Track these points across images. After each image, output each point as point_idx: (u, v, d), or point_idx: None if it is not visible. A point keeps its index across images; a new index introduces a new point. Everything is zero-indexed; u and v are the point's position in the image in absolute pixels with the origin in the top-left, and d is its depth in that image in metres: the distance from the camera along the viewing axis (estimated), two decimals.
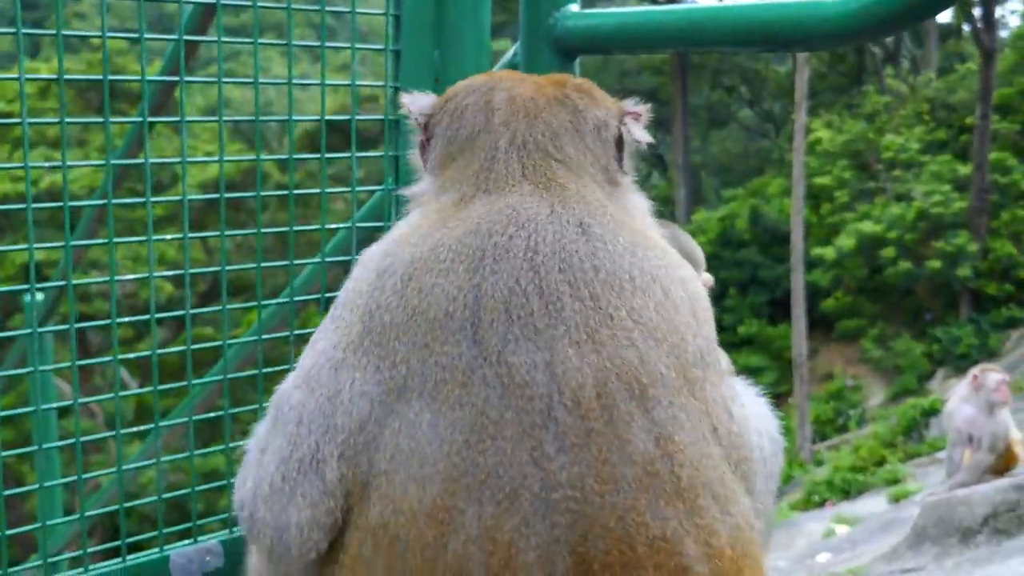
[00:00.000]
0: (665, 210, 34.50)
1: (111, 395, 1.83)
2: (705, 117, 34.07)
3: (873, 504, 11.88)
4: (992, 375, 6.73)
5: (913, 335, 22.93)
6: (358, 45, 2.01)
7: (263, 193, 1.94)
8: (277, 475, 1.25)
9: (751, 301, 25.14)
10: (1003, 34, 26.54)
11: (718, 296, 25.90)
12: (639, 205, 1.47)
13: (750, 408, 1.40)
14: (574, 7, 1.95)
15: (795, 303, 20.01)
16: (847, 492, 14.29)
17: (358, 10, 2.04)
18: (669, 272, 1.31)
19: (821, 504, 14.16)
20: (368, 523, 1.17)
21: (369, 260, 1.32)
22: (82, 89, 15.68)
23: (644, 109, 1.50)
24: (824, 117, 27.54)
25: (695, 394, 1.24)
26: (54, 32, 1.63)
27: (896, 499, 11.19)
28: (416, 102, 1.49)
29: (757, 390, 1.50)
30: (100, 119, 1.71)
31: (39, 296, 3.37)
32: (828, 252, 23.57)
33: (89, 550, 1.78)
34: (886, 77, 29.43)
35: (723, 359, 1.42)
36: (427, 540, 1.12)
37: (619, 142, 1.46)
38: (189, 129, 1.88)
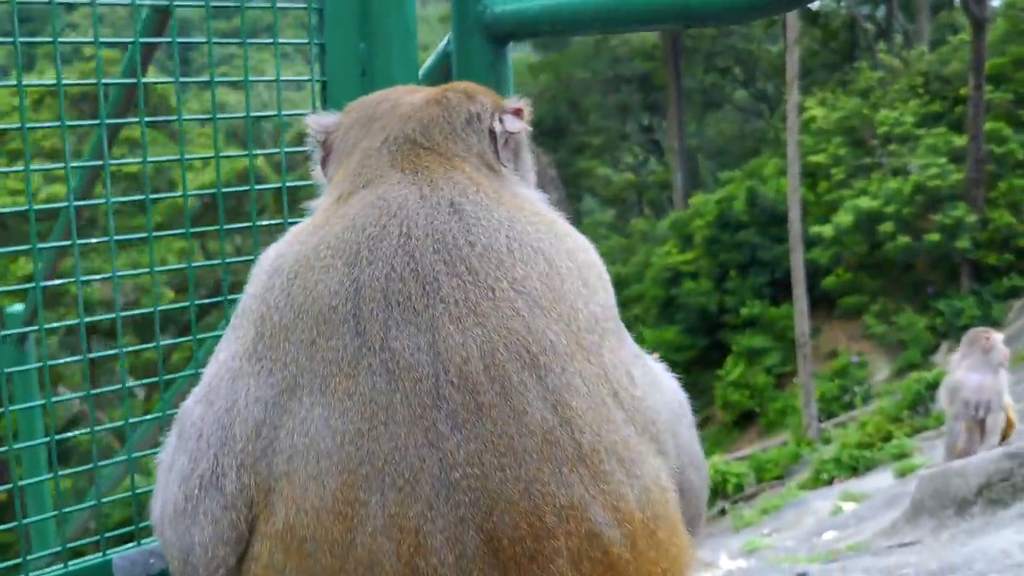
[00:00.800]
0: (662, 195, 34.53)
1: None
2: (699, 100, 34.02)
3: (880, 480, 11.91)
4: (996, 334, 6.79)
5: (915, 309, 22.92)
6: (281, 40, 2.02)
7: (257, 187, 2.01)
8: (180, 495, 1.26)
9: (752, 282, 25.14)
10: (995, 3, 26.42)
11: (719, 278, 25.98)
12: (523, 193, 1.48)
13: (655, 369, 1.42)
14: None
15: (795, 282, 20.02)
16: (855, 469, 14.32)
17: (280, 4, 2.05)
18: (554, 243, 1.32)
19: (829, 482, 14.20)
20: (275, 529, 1.17)
21: (263, 261, 1.34)
22: (75, 100, 15.77)
23: (525, 103, 1.55)
24: (818, 95, 27.49)
25: (591, 359, 1.25)
26: (50, 40, 1.68)
27: (902, 474, 11.22)
28: (318, 121, 1.55)
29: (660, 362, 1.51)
30: (96, 121, 1.81)
31: (19, 308, 3.41)
32: (827, 230, 23.55)
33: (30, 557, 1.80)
34: (879, 52, 29.36)
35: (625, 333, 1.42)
36: (335, 537, 1.13)
37: (493, 134, 1.49)
38: (186, 137, 1.95)
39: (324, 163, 1.55)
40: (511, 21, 1.95)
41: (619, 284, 28.91)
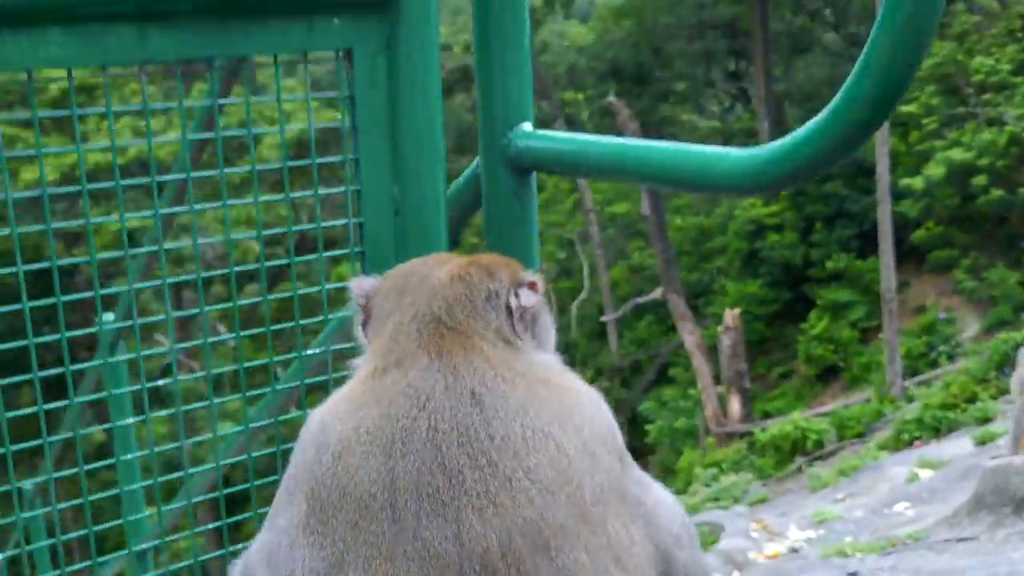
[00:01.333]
0: (748, 143, 33.77)
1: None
2: (787, 45, 33.11)
3: (960, 446, 11.83)
4: None
5: (1007, 264, 22.30)
6: (321, 191, 2.21)
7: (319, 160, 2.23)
8: None
9: (838, 235, 24.73)
10: None
11: (804, 231, 25.51)
12: (538, 361, 1.60)
13: (652, 499, 1.55)
14: (527, 126, 2.07)
15: (882, 236, 19.66)
16: (937, 430, 14.21)
17: (319, 159, 2.22)
18: (563, 424, 1.46)
19: (910, 443, 14.13)
20: None
21: (311, 428, 1.51)
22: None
23: (540, 278, 1.68)
24: None
25: (596, 531, 1.39)
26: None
27: (981, 442, 11.15)
28: (360, 285, 1.72)
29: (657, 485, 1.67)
30: (175, 104, 2.12)
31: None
32: (917, 182, 22.93)
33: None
34: None
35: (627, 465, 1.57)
36: None
37: (509, 309, 1.61)
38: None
39: (364, 325, 1.70)
40: (531, 157, 2.05)
41: (701, 236, 28.69)
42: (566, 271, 26.62)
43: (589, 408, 1.53)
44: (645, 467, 1.68)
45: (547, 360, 1.64)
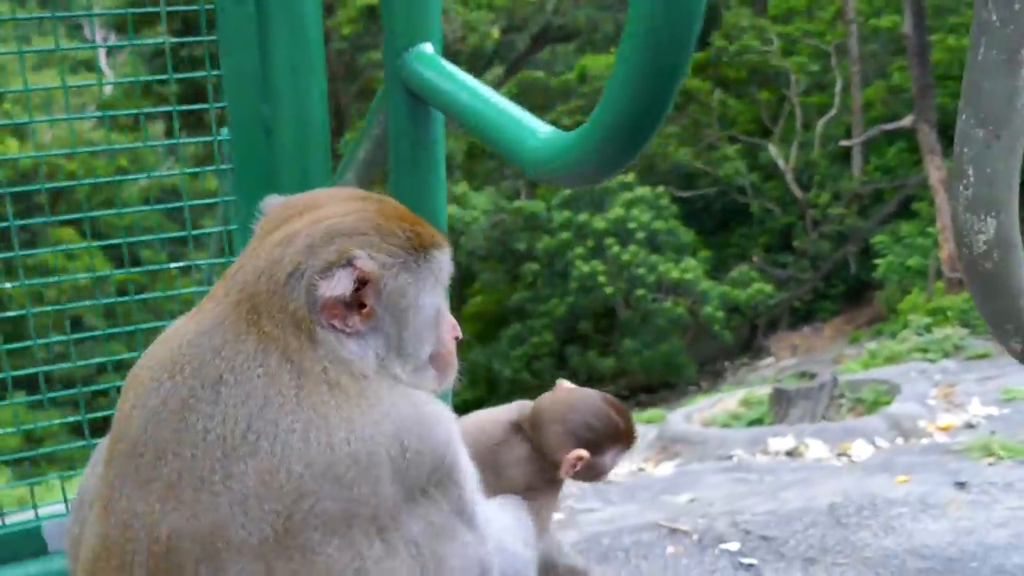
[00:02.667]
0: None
1: None
2: None
3: None
4: None
5: None
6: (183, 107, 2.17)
7: None
8: None
9: None
10: None
11: None
12: (347, 364, 1.47)
13: (451, 558, 1.51)
14: (427, 47, 1.91)
15: None
16: None
17: (177, 75, 2.18)
18: (313, 437, 1.38)
19: None
20: None
21: None
22: None
23: (368, 262, 1.48)
24: None
25: (293, 558, 1.35)
26: None
27: None
28: (265, 203, 1.66)
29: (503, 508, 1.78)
30: None
31: None
32: None
33: None
34: None
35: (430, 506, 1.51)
36: None
37: (313, 294, 1.46)
38: None
39: None
40: (419, 82, 1.90)
41: None
42: (818, 85, 25.05)
43: (378, 428, 1.43)
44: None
45: (364, 367, 1.49)
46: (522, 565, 1.73)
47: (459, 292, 24.16)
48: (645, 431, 10.07)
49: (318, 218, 1.53)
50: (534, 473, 2.18)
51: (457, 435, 1.57)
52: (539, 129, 1.64)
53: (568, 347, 21.97)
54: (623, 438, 2.21)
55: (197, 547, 1.35)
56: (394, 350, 1.55)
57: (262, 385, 1.42)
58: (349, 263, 1.47)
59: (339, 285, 1.47)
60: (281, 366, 1.43)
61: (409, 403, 1.49)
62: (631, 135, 1.33)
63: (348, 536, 1.39)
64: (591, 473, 2.19)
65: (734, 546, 4.17)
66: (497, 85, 24.49)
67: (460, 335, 1.75)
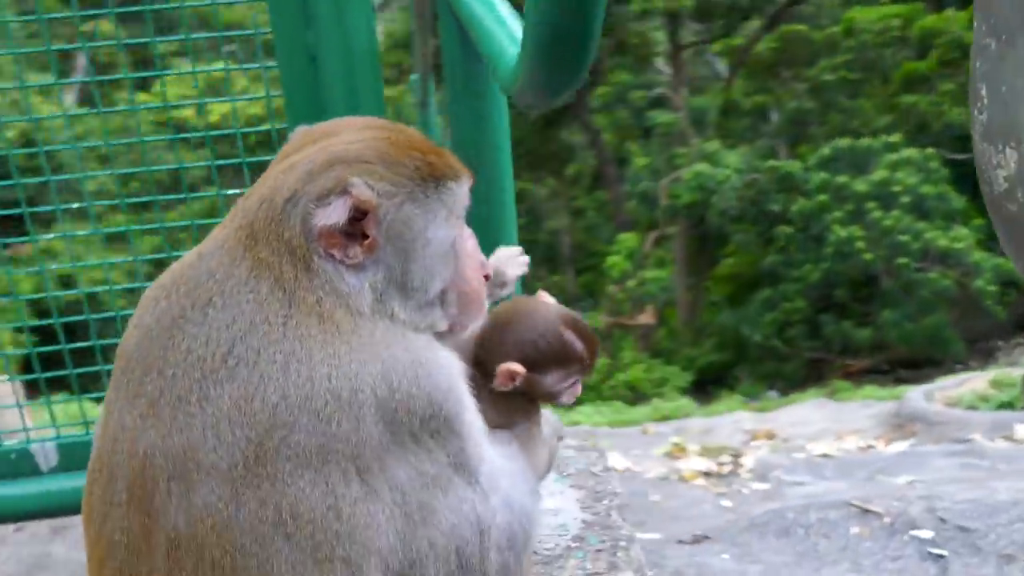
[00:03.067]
0: None
1: None
2: None
3: None
4: None
5: None
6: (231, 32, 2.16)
7: None
8: None
9: None
10: None
11: None
12: (344, 298, 1.46)
13: (445, 512, 1.48)
14: None
15: None
16: None
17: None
18: (293, 368, 1.38)
19: None
20: None
21: None
22: None
23: (365, 192, 1.44)
24: None
25: (261, 486, 1.36)
26: None
27: None
28: (295, 132, 1.67)
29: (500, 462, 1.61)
30: None
31: None
32: None
33: None
34: None
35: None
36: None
37: (307, 223, 1.45)
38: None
39: None
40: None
41: None
42: None
43: (364, 367, 1.42)
44: None
45: (360, 303, 1.48)
46: (528, 521, 1.62)
47: (711, 253, 23.66)
48: (881, 408, 9.47)
49: (326, 146, 1.51)
50: (504, 403, 1.98)
51: (461, 385, 1.52)
52: (507, 38, 1.59)
53: (822, 315, 20.98)
54: (574, 363, 1.96)
55: (170, 464, 1.38)
56: (396, 284, 1.51)
57: (249, 311, 1.42)
58: (345, 191, 1.45)
59: (334, 213, 1.45)
60: (272, 293, 1.43)
61: (405, 346, 1.46)
62: (560, 54, 1.27)
63: (323, 472, 1.38)
64: (534, 392, 1.97)
65: (926, 534, 3.84)
66: (754, 39, 23.55)
67: (490, 272, 1.71)
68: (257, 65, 2.31)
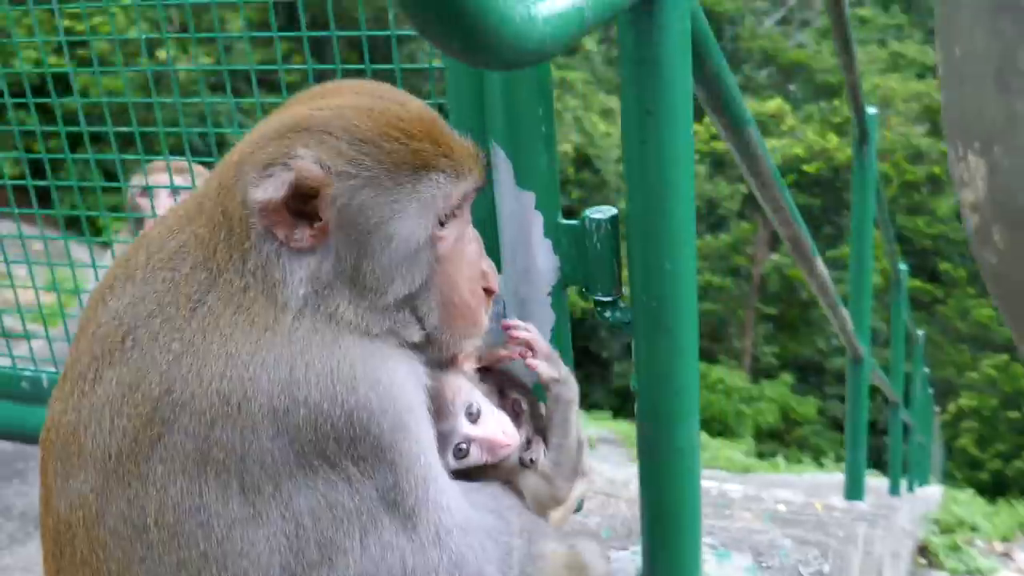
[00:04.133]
0: None
1: None
2: None
3: None
4: None
5: None
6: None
7: None
8: None
9: None
10: None
11: None
12: (260, 285, 1.32)
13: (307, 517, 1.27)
14: None
15: None
16: None
17: None
18: (181, 359, 1.27)
19: None
20: None
21: None
22: None
23: (310, 166, 1.28)
24: None
25: (131, 485, 1.27)
26: None
27: None
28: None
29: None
30: None
31: None
32: None
33: None
34: None
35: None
36: None
37: (246, 191, 1.32)
38: None
39: None
40: None
41: None
42: None
43: (266, 371, 1.27)
44: None
45: (289, 296, 1.32)
46: None
47: None
48: None
49: (299, 109, 1.35)
50: None
51: (406, 406, 1.34)
52: None
53: None
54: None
55: (59, 444, 1.33)
56: (346, 279, 1.33)
57: (161, 291, 1.31)
58: (287, 164, 1.28)
59: (271, 187, 1.28)
60: (193, 273, 1.32)
61: (331, 351, 1.28)
62: None
63: (198, 482, 1.25)
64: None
65: None
66: None
67: (495, 287, 1.54)
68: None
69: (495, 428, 1.64)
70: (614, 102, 21.76)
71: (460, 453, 1.59)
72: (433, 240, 1.40)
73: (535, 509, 1.73)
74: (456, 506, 1.40)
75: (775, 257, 24.50)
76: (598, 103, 23.74)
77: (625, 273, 2.18)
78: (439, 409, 1.55)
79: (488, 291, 1.52)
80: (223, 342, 1.27)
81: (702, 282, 21.36)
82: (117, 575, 1.28)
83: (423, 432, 1.37)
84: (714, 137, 22.23)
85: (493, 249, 2.16)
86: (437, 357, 1.50)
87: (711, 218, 25.38)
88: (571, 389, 1.85)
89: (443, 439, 1.56)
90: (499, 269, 2.09)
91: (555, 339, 2.21)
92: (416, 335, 1.43)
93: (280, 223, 1.30)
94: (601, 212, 2.13)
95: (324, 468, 1.26)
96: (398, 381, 1.34)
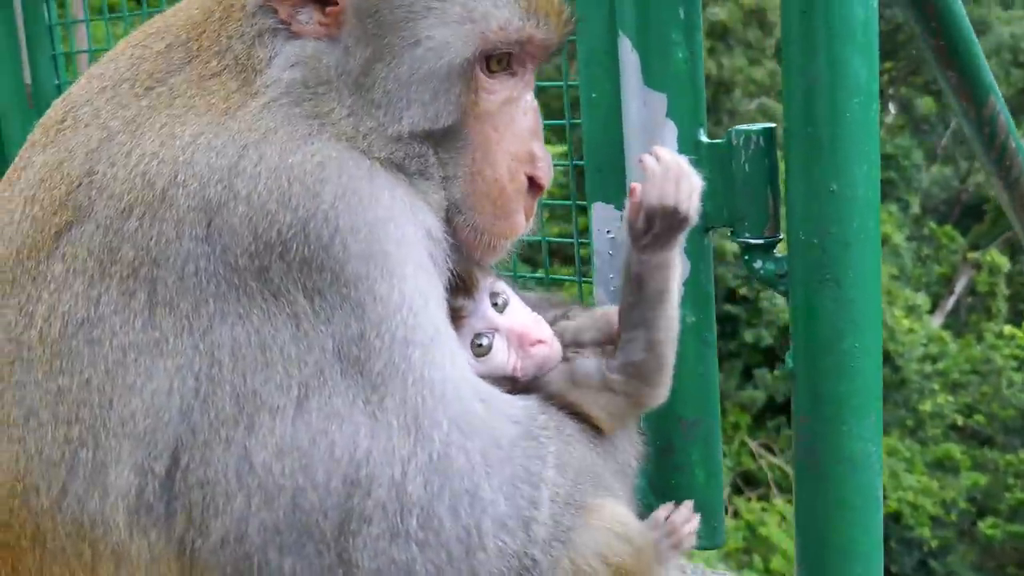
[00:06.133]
0: None
1: None
2: None
3: None
4: None
5: None
6: None
7: None
8: None
9: None
10: None
11: None
12: (244, 64, 1.15)
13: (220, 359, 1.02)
14: None
15: None
16: None
17: None
18: (116, 136, 1.10)
19: None
20: None
21: None
22: None
23: None
24: None
25: (27, 285, 1.10)
26: None
27: None
28: None
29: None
30: None
31: None
32: None
33: None
34: None
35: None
36: None
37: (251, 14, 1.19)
38: None
39: None
40: None
41: None
42: None
43: (209, 158, 1.05)
44: None
45: (267, 79, 1.13)
46: (477, 516, 1.05)
47: None
48: None
49: None
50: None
51: (393, 238, 1.06)
52: None
53: None
54: None
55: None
56: (350, 83, 1.13)
57: (123, 67, 1.19)
58: None
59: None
60: (166, 53, 1.14)
61: (299, 147, 1.09)
62: None
63: (98, 287, 1.02)
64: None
65: None
66: None
67: (543, 181, 1.25)
68: None
69: (525, 318, 1.22)
70: None
71: (481, 348, 1.19)
72: (474, 78, 1.22)
73: (614, 424, 1.35)
74: (455, 393, 1.12)
75: None
76: None
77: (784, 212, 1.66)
78: (456, 287, 1.24)
79: (534, 182, 1.27)
80: (169, 122, 1.11)
81: (1012, 500, 18.61)
82: (2, 381, 1.09)
83: (415, 277, 1.12)
84: None
85: (614, 170, 1.75)
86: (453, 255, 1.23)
87: None
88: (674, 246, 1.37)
89: (460, 327, 1.18)
90: (620, 201, 1.68)
91: (690, 300, 1.71)
92: (433, 191, 1.20)
93: None
94: (752, 127, 1.65)
95: (263, 295, 1.05)
96: (384, 201, 1.12)
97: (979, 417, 17.33)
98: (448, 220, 1.22)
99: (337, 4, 1.14)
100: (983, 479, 16.63)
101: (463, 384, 1.11)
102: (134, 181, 1.05)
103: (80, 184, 1.07)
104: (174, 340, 1.02)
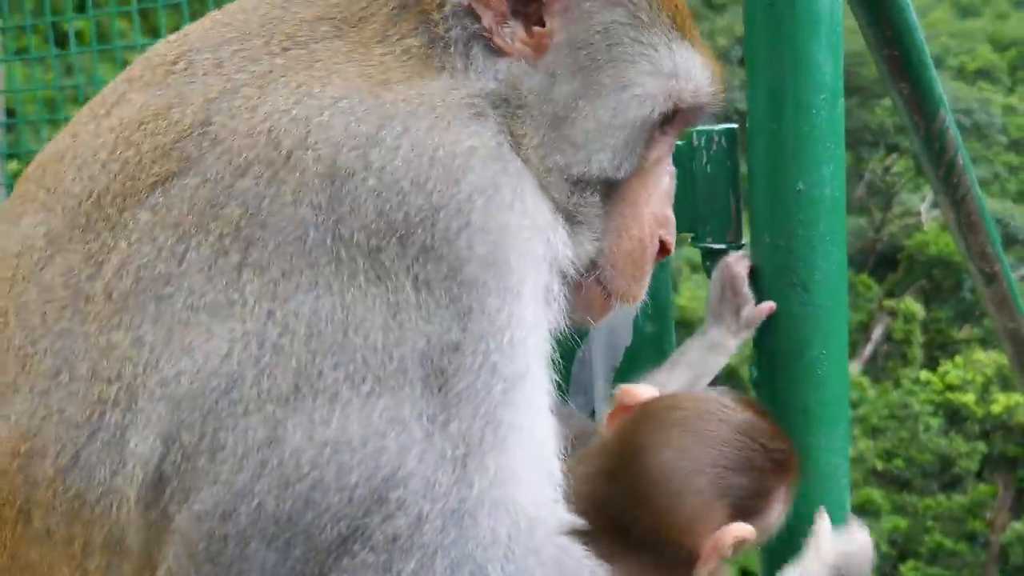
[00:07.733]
0: None
1: None
2: None
3: None
4: None
5: None
6: None
7: None
8: None
9: None
10: None
11: None
12: (416, 48, 1.07)
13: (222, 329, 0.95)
14: None
15: None
16: None
17: None
18: (241, 89, 1.02)
19: None
20: None
21: None
22: None
23: None
24: None
25: (99, 233, 1.02)
26: None
27: None
28: None
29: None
30: None
31: None
32: None
33: None
34: None
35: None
36: None
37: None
38: None
39: None
40: None
41: None
42: None
43: (347, 122, 0.97)
44: None
45: (455, 61, 1.05)
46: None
47: None
48: None
49: None
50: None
51: (519, 252, 0.97)
52: None
53: None
54: (790, 467, 1.29)
55: (34, 174, 1.17)
56: (547, 116, 1.10)
57: (254, 23, 1.10)
58: None
59: None
60: (314, 24, 1.06)
61: (459, 132, 1.00)
62: None
63: (187, 243, 0.94)
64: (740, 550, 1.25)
65: None
66: None
67: (670, 246, 1.20)
68: None
69: None
70: None
71: None
72: (652, 133, 1.15)
73: None
74: (516, 443, 0.98)
75: (1019, 525, 21.66)
76: None
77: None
78: None
79: (663, 246, 1.22)
80: (308, 82, 1.01)
81: (931, 543, 19.00)
82: (19, 351, 0.98)
83: (529, 303, 1.01)
84: (949, 387, 20.34)
85: None
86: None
87: (944, 477, 23.11)
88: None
89: None
90: None
91: (650, 311, 1.63)
92: (588, 241, 1.13)
93: (492, 5, 1.05)
94: (714, 127, 1.59)
95: (367, 275, 0.94)
96: (526, 208, 1.02)
97: (898, 461, 17.70)
98: (590, 265, 1.16)
99: (545, 26, 1.08)
100: (903, 523, 16.94)
101: (528, 439, 0.99)
102: (256, 138, 0.97)
103: (191, 134, 1.00)
104: (252, 304, 0.94)
